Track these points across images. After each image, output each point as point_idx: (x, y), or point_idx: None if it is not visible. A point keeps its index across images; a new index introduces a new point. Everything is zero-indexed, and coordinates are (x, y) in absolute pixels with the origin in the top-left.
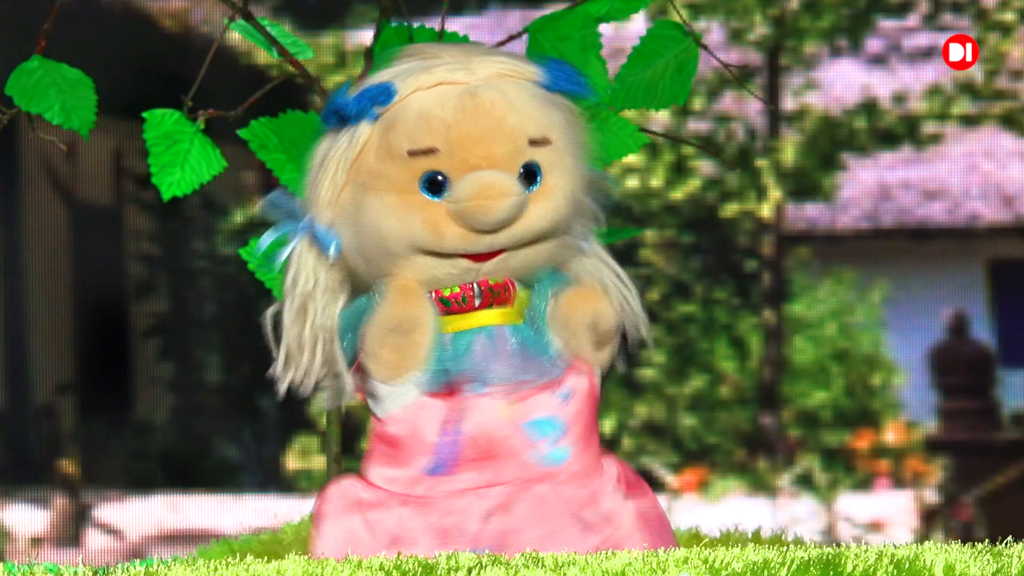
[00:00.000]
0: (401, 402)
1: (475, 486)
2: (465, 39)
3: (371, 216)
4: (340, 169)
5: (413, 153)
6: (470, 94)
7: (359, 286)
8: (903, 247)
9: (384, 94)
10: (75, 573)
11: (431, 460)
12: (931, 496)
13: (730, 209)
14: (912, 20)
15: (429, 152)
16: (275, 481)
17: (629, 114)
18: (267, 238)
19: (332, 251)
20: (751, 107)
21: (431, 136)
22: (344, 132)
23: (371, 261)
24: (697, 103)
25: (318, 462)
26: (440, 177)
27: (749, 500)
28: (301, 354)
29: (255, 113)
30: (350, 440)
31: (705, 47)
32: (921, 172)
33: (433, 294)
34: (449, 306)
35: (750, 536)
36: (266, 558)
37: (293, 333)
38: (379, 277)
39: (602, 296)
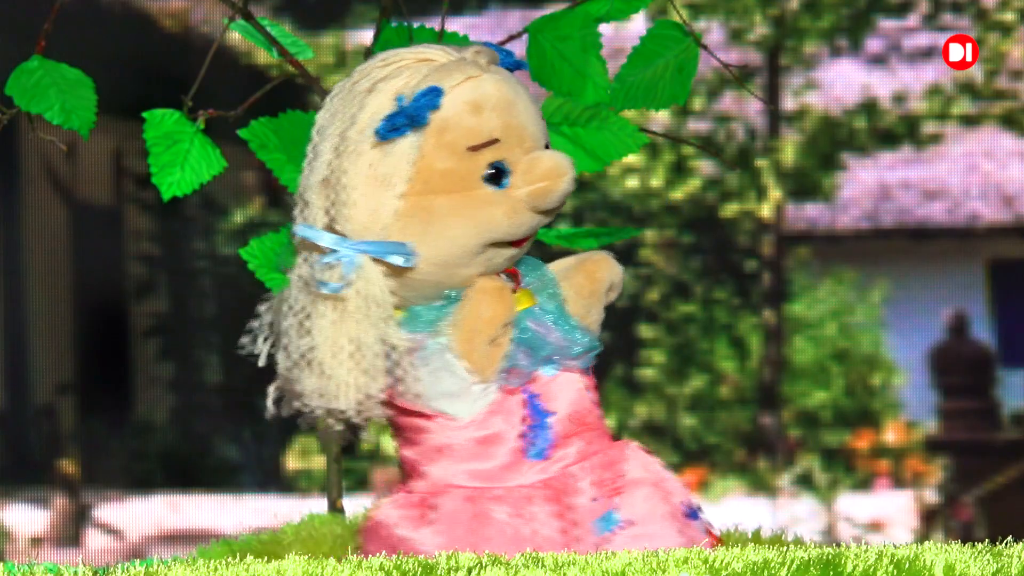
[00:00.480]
0: (490, 397)
1: (577, 459)
2: (465, 39)
3: (448, 219)
4: (402, 181)
5: (475, 148)
6: (501, 83)
7: (403, 300)
8: (903, 247)
9: (436, 96)
10: (75, 573)
11: (529, 446)
12: (931, 496)
13: (730, 209)
14: (912, 20)
15: (490, 144)
16: (275, 481)
17: (629, 114)
18: (328, 259)
19: (405, 262)
20: (751, 107)
21: (489, 128)
22: (395, 144)
23: (446, 265)
24: (697, 103)
25: (318, 462)
26: (503, 166)
27: (749, 500)
28: (354, 368)
29: (255, 113)
30: (350, 440)
31: (705, 47)
32: (921, 172)
33: None
34: None
35: (750, 536)
36: (266, 558)
37: (340, 347)
38: (444, 281)
39: (604, 256)
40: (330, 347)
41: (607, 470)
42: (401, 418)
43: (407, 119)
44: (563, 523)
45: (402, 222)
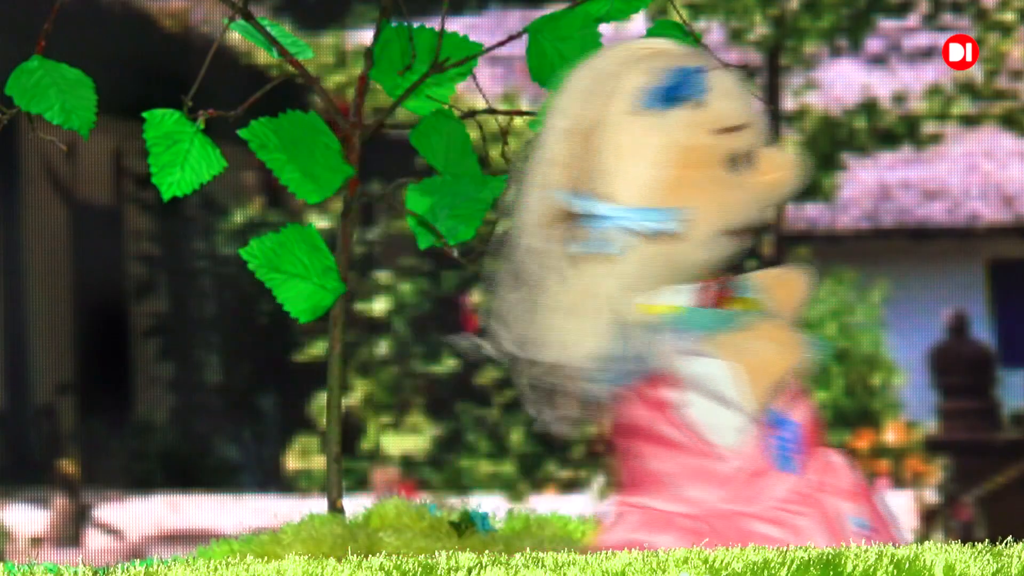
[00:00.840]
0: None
1: (814, 468)
2: (465, 39)
3: (696, 196)
4: (662, 154)
5: (725, 130)
6: (734, 77)
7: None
8: (903, 247)
9: (702, 75)
10: (75, 573)
11: (778, 457)
12: (931, 496)
13: None
14: (912, 20)
15: (739, 128)
16: (275, 481)
17: None
18: (599, 225)
19: (671, 227)
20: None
21: (738, 113)
22: (659, 117)
23: (686, 240)
24: None
25: (318, 462)
26: (746, 153)
27: None
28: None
29: (255, 113)
30: (350, 440)
31: (705, 47)
32: (921, 172)
33: (710, 289)
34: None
35: None
36: (266, 558)
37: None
38: (679, 261)
39: (802, 272)
40: (577, 307)
41: (834, 476)
42: (664, 427)
43: (682, 91)
44: (829, 531)
45: (659, 195)
